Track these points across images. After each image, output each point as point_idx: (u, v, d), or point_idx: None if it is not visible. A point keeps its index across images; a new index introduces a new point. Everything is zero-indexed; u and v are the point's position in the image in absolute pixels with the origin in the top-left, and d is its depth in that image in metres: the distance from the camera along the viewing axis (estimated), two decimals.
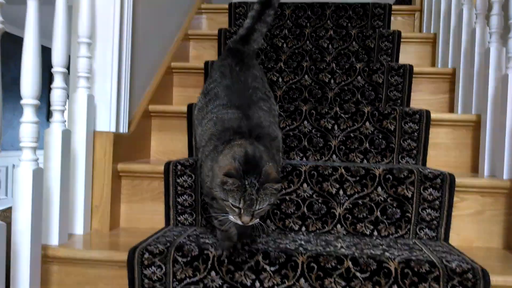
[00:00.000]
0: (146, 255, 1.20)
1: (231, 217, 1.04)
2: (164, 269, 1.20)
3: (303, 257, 1.17)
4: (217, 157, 1.08)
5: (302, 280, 1.16)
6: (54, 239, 1.27)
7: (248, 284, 1.17)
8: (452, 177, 1.40)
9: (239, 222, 1.02)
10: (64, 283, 1.27)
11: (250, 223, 1.02)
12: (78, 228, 1.41)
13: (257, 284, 1.17)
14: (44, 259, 1.24)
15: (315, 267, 1.16)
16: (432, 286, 1.14)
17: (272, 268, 1.17)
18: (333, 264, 1.16)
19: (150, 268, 1.20)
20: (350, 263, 1.16)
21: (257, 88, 1.31)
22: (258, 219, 1.04)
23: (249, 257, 1.17)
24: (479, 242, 1.44)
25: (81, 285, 1.26)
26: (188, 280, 1.19)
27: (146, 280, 1.21)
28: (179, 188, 1.48)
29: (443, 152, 1.74)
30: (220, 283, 1.18)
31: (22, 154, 1.16)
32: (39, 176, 1.16)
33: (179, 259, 1.19)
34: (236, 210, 1.02)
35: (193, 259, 1.19)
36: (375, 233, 1.42)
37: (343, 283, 1.16)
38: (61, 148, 1.27)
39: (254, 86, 1.31)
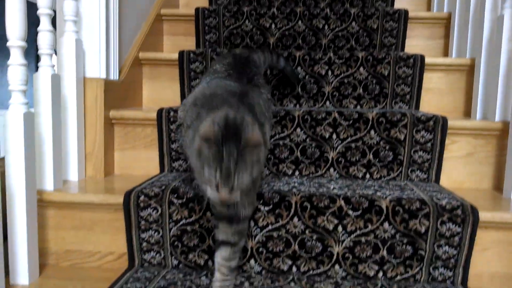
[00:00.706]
0: (142, 198, 1.21)
1: (209, 192, 0.89)
2: (160, 211, 1.21)
3: (296, 197, 1.19)
4: (199, 126, 0.92)
5: (295, 219, 1.19)
6: (49, 184, 1.28)
7: None
8: (444, 120, 1.41)
9: (217, 199, 0.89)
10: (61, 227, 1.28)
11: (230, 200, 0.88)
12: (72, 174, 1.41)
13: (252, 223, 1.19)
14: (40, 204, 1.25)
15: (308, 206, 1.18)
16: (422, 222, 1.16)
17: (267, 208, 1.19)
18: (326, 203, 1.18)
19: (146, 210, 1.22)
20: (342, 202, 1.18)
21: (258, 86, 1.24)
22: (238, 195, 0.89)
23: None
24: (469, 183, 1.47)
25: (78, 229, 1.28)
26: (184, 221, 1.21)
27: (142, 222, 1.22)
28: (172, 134, 1.47)
29: (436, 97, 1.74)
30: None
31: (11, 98, 1.14)
32: (30, 119, 1.15)
33: (175, 201, 1.20)
34: (213, 182, 0.87)
35: (188, 200, 1.20)
36: (368, 176, 1.44)
37: (336, 221, 1.18)
38: (51, 93, 1.25)
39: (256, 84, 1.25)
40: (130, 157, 1.54)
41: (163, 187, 1.23)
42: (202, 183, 0.91)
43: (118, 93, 1.58)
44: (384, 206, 1.17)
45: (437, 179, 1.44)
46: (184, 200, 1.20)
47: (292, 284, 1.15)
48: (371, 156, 1.43)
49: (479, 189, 1.46)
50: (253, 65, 1.33)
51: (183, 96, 1.79)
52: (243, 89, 1.11)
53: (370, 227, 1.18)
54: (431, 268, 1.18)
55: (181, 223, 1.21)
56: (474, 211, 1.16)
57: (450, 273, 1.19)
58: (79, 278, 1.22)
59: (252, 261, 1.21)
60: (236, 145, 0.85)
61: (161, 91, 1.83)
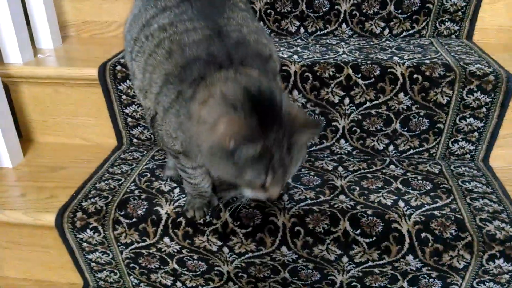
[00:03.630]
0: (118, 67, 1.06)
1: (248, 193, 0.69)
2: None
3: (296, 66, 1.00)
4: (191, 110, 0.67)
5: (295, 92, 1.03)
6: (17, 58, 1.13)
7: None
8: None
9: (262, 198, 0.69)
10: (38, 101, 1.18)
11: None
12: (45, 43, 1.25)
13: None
14: (8, 79, 1.13)
15: (310, 77, 1.00)
16: (444, 92, 0.98)
17: None
18: (331, 72, 1.00)
19: (123, 84, 1.08)
20: (350, 70, 0.99)
21: None
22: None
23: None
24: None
25: (55, 104, 1.17)
26: None
27: (123, 96, 1.09)
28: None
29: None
30: None
31: None
32: None
33: None
34: (258, 183, 0.66)
35: None
36: (386, 31, 1.21)
37: (342, 93, 1.01)
38: None
39: None
40: None
41: None
42: (236, 183, 0.69)
43: None
44: (399, 73, 0.98)
45: (470, 35, 1.20)
46: None
47: None
48: (392, 8, 1.18)
49: None
50: None
51: None
52: (222, 24, 0.73)
53: (382, 98, 1.01)
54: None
55: None
56: (510, 79, 0.96)
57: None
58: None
59: None
60: (281, 129, 0.63)
61: None
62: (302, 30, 1.24)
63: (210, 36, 0.70)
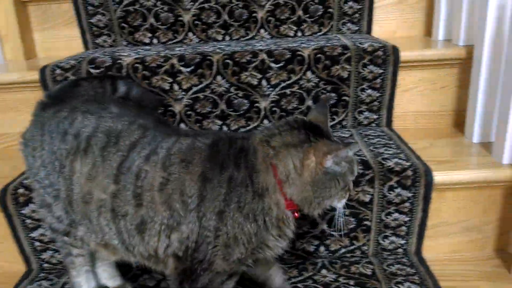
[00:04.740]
0: (58, 71, 1.17)
1: (337, 203, 0.81)
2: None
3: (218, 55, 1.16)
4: (267, 181, 0.75)
5: (219, 78, 1.17)
6: None
7: (166, 87, 1.17)
8: None
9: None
10: None
11: None
12: None
13: (176, 86, 1.17)
14: None
15: (230, 63, 1.16)
16: (344, 67, 1.16)
17: (188, 69, 1.16)
18: (248, 58, 1.16)
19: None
20: (265, 55, 1.16)
21: None
22: None
23: (164, 61, 1.16)
24: (401, 32, 1.45)
25: (3, 112, 1.25)
26: None
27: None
28: (90, 8, 1.38)
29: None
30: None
31: None
32: None
33: (92, 71, 1.17)
34: (345, 193, 0.81)
35: (106, 69, 1.16)
36: (299, 33, 1.41)
37: (259, 75, 1.17)
38: None
39: None
40: (51, 36, 1.46)
41: (80, 59, 1.18)
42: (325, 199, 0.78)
43: None
44: (306, 55, 1.15)
45: (369, 30, 1.41)
46: (102, 69, 1.16)
47: None
48: (301, 12, 1.38)
49: (410, 36, 1.45)
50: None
51: None
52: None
53: (293, 78, 1.17)
54: (356, 113, 1.21)
55: None
56: (396, 52, 1.16)
57: (375, 116, 1.22)
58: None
59: (182, 125, 1.21)
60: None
61: None
62: (227, 38, 1.41)
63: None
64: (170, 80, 1.17)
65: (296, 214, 0.79)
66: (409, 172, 0.99)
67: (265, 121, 1.21)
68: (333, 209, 0.87)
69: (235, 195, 0.74)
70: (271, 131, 0.78)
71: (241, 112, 1.20)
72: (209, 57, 1.15)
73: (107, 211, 0.79)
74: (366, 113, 1.22)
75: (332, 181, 0.75)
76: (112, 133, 0.80)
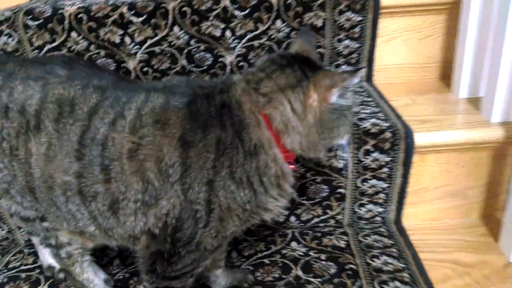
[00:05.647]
0: None
1: (344, 141, 0.71)
2: (17, 38, 1.03)
3: (174, 2, 1.01)
4: (263, 135, 0.65)
5: (176, 28, 1.02)
6: None
7: (117, 41, 1.03)
8: None
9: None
10: None
11: None
12: None
13: (127, 39, 1.03)
14: None
15: (188, 11, 1.01)
16: (318, 15, 1.02)
17: (140, 19, 1.01)
18: (209, 5, 1.01)
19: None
20: (227, 2, 1.01)
21: None
22: None
23: (112, 10, 1.00)
24: None
25: None
26: (49, 45, 1.04)
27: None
28: None
29: None
30: (86, 44, 1.04)
31: None
32: None
33: (30, 23, 1.01)
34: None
35: (45, 20, 1.01)
36: None
37: (222, 25, 1.03)
38: None
39: None
40: None
41: (16, 10, 1.02)
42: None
43: None
44: (275, 2, 1.01)
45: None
46: (41, 21, 1.01)
47: None
48: None
49: None
50: None
51: None
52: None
53: (261, 28, 1.03)
54: (332, 67, 1.09)
55: (46, 47, 1.04)
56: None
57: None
58: None
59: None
60: None
61: None
62: None
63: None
64: (121, 32, 1.02)
65: (292, 166, 0.68)
66: (388, 134, 0.88)
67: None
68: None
69: (226, 160, 0.63)
70: (256, 75, 0.65)
71: (205, 67, 1.07)
72: (163, 5, 1.01)
73: (74, 195, 0.67)
74: (344, 67, 1.09)
75: (340, 119, 0.64)
76: (64, 102, 0.67)
